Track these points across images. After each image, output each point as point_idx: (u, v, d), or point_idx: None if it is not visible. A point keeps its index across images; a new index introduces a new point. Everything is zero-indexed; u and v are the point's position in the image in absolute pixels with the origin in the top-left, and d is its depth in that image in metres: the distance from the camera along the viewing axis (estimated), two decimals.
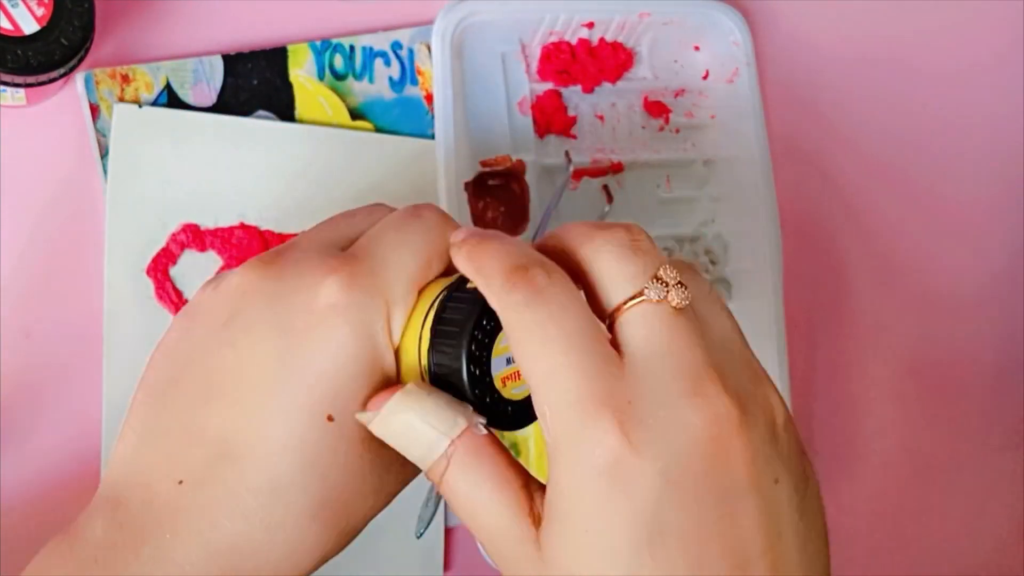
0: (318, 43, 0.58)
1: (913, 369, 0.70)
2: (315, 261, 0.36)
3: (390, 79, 0.59)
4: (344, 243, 0.38)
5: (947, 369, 0.71)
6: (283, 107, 0.57)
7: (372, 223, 0.38)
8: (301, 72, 0.57)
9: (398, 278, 0.36)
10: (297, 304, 0.35)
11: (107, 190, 0.53)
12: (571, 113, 0.63)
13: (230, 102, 0.56)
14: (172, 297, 0.54)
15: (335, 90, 0.58)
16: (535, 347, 0.33)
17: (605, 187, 0.63)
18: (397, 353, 0.37)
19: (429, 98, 0.59)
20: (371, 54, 0.59)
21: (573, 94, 0.63)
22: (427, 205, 0.39)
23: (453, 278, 0.37)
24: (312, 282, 0.35)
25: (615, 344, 0.33)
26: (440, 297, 0.36)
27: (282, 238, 0.56)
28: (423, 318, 0.36)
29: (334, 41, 0.58)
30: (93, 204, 0.53)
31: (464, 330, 0.35)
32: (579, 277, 0.35)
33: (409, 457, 0.35)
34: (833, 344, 0.68)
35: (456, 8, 0.58)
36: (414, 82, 0.59)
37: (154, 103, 0.54)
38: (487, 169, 0.60)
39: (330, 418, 0.35)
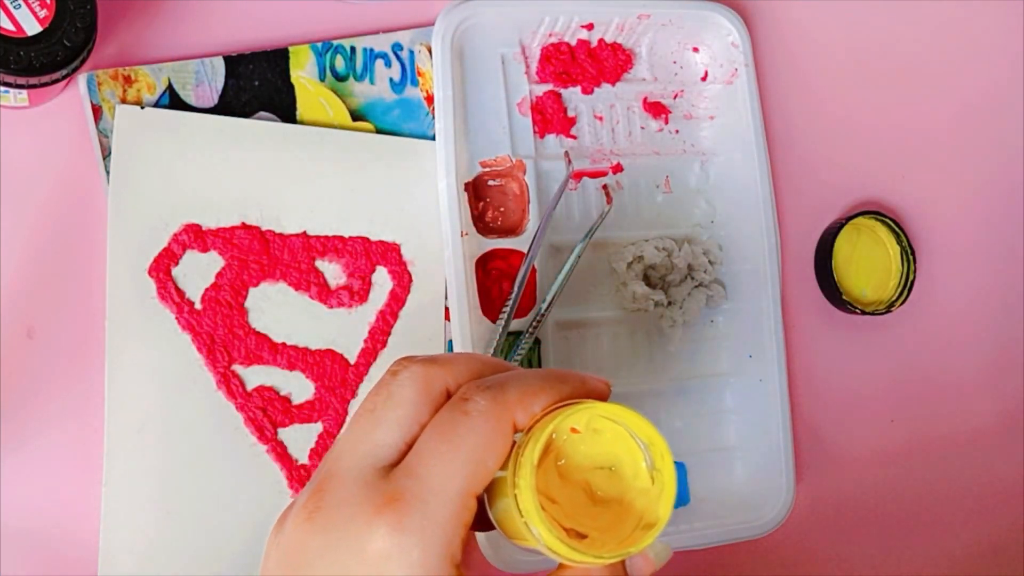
0: (319, 44, 0.58)
1: (913, 366, 0.70)
2: (358, 501, 0.35)
3: (391, 80, 0.59)
4: (387, 453, 0.36)
5: (947, 366, 0.71)
6: (284, 108, 0.57)
7: (407, 413, 0.36)
8: (302, 73, 0.57)
9: (448, 500, 0.34)
10: (348, 559, 0.34)
11: (109, 191, 0.53)
12: (571, 114, 0.63)
13: (232, 103, 0.56)
14: (174, 297, 0.54)
15: (336, 91, 0.58)
16: None
17: (605, 187, 0.63)
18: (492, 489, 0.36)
19: (429, 99, 0.60)
20: (372, 55, 0.59)
21: (573, 95, 0.63)
22: (478, 390, 0.36)
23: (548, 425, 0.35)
24: (359, 530, 0.34)
25: None
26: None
27: (283, 238, 0.56)
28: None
29: (335, 42, 0.58)
30: (95, 205, 0.54)
31: None
32: None
33: None
34: (832, 343, 0.68)
35: (456, 10, 0.59)
36: (414, 83, 0.60)
37: (156, 104, 0.54)
38: (487, 169, 0.60)
39: None
